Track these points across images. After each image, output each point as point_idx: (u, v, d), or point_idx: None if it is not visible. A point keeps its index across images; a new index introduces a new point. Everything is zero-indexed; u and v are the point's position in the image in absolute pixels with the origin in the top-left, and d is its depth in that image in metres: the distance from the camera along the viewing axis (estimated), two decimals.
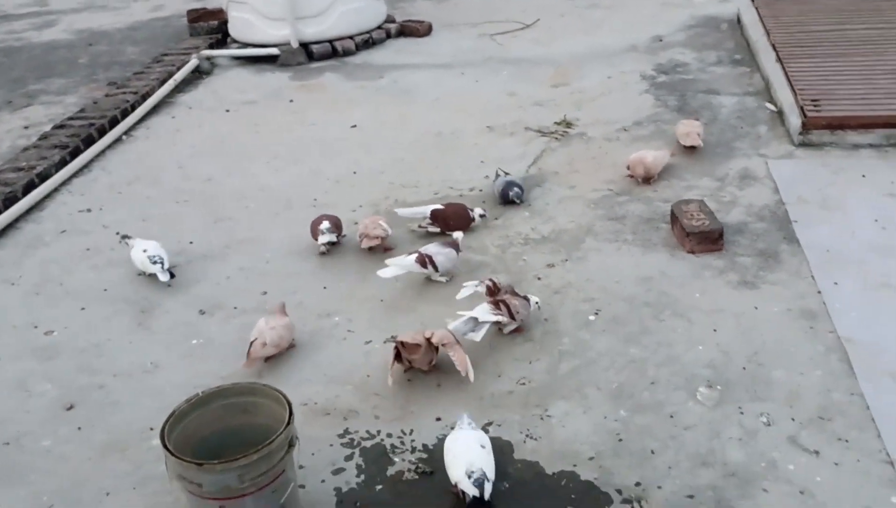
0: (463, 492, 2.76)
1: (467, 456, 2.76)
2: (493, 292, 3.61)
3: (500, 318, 3.51)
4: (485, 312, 3.49)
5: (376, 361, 3.55)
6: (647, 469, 2.93)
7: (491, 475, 2.76)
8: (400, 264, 3.93)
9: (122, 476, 3.06)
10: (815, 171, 4.81)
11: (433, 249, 4.00)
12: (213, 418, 2.81)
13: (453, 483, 2.81)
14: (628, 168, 4.79)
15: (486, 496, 2.70)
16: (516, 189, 4.61)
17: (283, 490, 2.68)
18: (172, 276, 4.18)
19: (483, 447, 2.84)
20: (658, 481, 2.88)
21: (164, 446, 2.57)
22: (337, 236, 4.33)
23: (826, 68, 5.78)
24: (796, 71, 5.75)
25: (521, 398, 3.29)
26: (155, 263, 4.15)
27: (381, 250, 4.28)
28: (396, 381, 3.41)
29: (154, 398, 3.40)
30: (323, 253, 4.32)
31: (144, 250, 4.20)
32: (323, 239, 4.25)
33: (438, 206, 4.42)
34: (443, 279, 4.03)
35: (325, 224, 4.28)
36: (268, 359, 3.56)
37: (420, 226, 4.44)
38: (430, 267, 3.91)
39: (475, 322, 3.47)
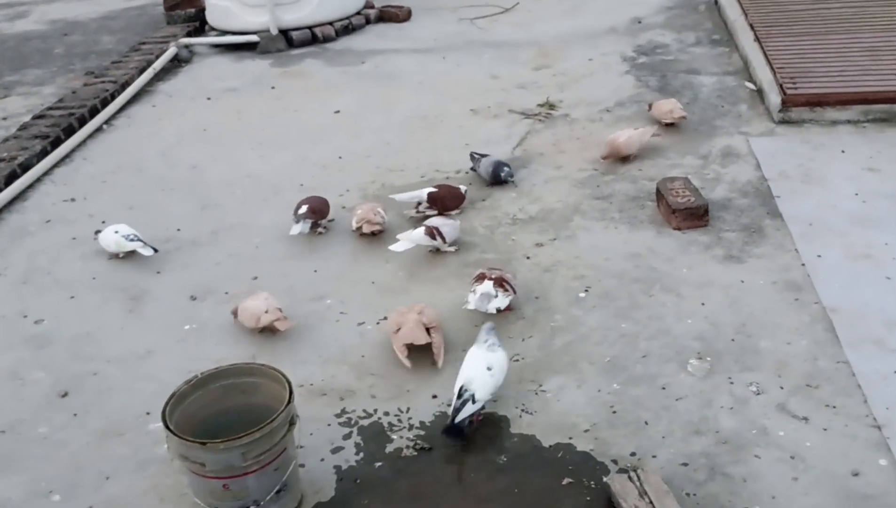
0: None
1: (466, 374, 2.98)
2: (483, 276, 3.64)
3: (511, 297, 3.58)
4: (502, 297, 3.52)
5: (371, 341, 3.58)
6: (642, 439, 2.99)
7: (480, 394, 2.92)
8: (410, 239, 4.01)
9: (121, 461, 3.07)
10: (795, 147, 4.89)
11: (438, 221, 4.11)
12: (213, 399, 2.83)
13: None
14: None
15: (458, 419, 2.89)
16: (507, 169, 4.64)
17: (284, 468, 2.70)
18: (156, 250, 4.16)
19: (489, 368, 2.98)
20: (653, 450, 2.94)
21: (166, 426, 2.58)
22: (313, 225, 4.31)
23: (803, 47, 5.86)
24: (774, 50, 5.83)
25: (515, 374, 3.33)
26: (132, 240, 4.14)
27: (371, 234, 4.29)
28: (390, 361, 3.43)
29: (149, 382, 3.41)
30: (321, 233, 4.32)
31: (116, 232, 4.20)
32: (294, 230, 4.24)
33: (432, 189, 4.44)
34: (451, 249, 4.08)
35: (303, 210, 4.27)
36: (277, 328, 3.59)
37: (417, 211, 4.44)
38: (438, 239, 4.00)
39: (489, 299, 3.52)
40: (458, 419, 2.89)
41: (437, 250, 4.11)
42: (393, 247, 4.01)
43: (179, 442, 2.56)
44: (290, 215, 4.43)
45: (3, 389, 3.49)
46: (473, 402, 2.91)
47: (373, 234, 4.28)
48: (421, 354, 3.46)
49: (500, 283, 3.58)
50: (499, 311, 3.59)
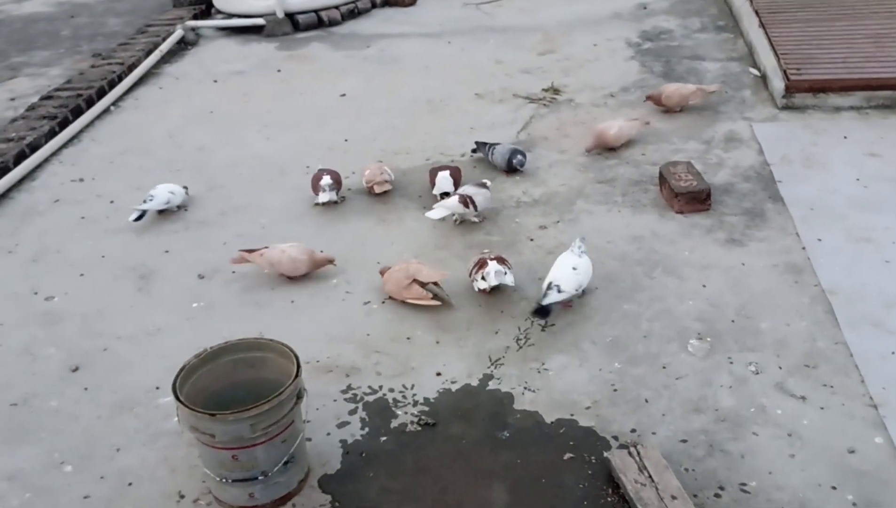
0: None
1: (554, 273, 3.49)
2: (484, 260, 3.68)
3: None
4: (510, 273, 3.64)
5: (376, 320, 3.63)
6: (642, 417, 3.05)
7: (565, 286, 3.44)
8: (445, 206, 4.13)
9: (132, 433, 3.13)
10: (798, 132, 4.93)
11: (471, 190, 4.20)
12: (222, 373, 2.89)
13: None
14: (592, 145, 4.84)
15: (545, 302, 3.42)
16: (520, 157, 4.66)
17: (292, 441, 2.77)
18: (139, 218, 4.36)
19: (574, 268, 3.49)
20: (653, 427, 3.00)
21: (177, 397, 2.64)
22: (337, 194, 4.45)
23: (808, 33, 5.88)
24: (779, 35, 5.85)
25: (518, 353, 3.39)
26: (144, 201, 4.41)
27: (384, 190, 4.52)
28: (396, 339, 3.49)
29: (159, 358, 3.47)
30: (326, 203, 4.44)
31: (171, 191, 4.49)
32: (323, 198, 4.40)
33: (446, 171, 4.47)
34: (476, 219, 4.18)
35: (327, 180, 4.43)
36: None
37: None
38: (470, 207, 4.11)
39: (503, 274, 3.61)
40: (544, 302, 3.41)
41: (460, 221, 4.18)
42: (429, 214, 4.13)
43: (190, 414, 2.62)
44: (297, 196, 4.50)
45: (16, 364, 3.55)
46: (559, 292, 3.41)
47: (385, 193, 4.46)
48: (424, 334, 3.51)
49: (502, 261, 3.66)
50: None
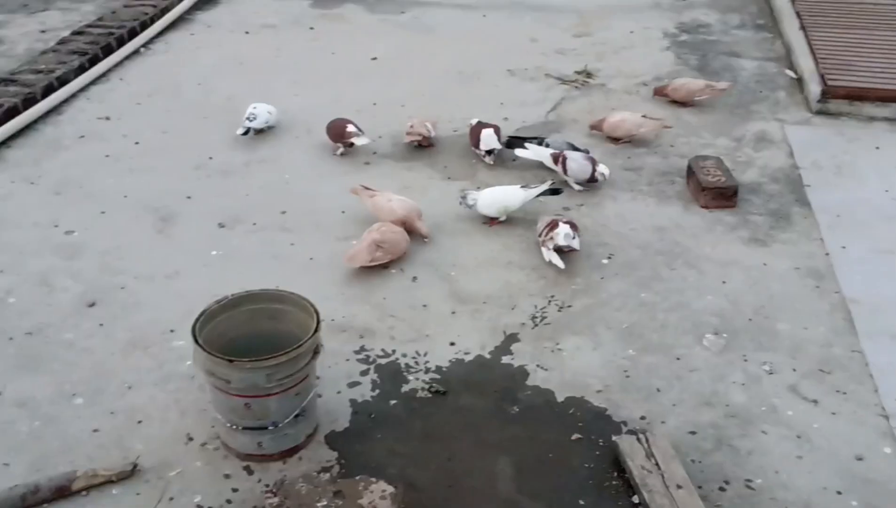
0: None
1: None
2: (556, 222, 3.77)
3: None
4: (578, 238, 3.74)
5: (394, 285, 3.64)
6: (653, 405, 3.06)
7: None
8: (537, 152, 4.29)
9: (144, 372, 3.15)
10: (830, 139, 4.89)
11: (572, 152, 4.30)
12: (241, 321, 2.89)
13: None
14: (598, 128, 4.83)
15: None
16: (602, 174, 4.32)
17: (304, 395, 2.78)
18: (245, 133, 4.69)
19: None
20: (663, 416, 3.01)
21: (196, 341, 2.65)
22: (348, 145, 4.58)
23: (848, 39, 5.82)
24: (819, 39, 5.78)
25: (534, 331, 3.40)
26: (247, 119, 4.69)
27: (425, 144, 4.68)
28: (412, 306, 3.49)
29: (176, 302, 3.48)
30: (343, 154, 4.56)
31: (269, 111, 4.80)
32: (361, 141, 4.56)
33: (490, 127, 4.56)
34: (578, 187, 4.27)
35: (351, 127, 4.55)
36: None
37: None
38: (560, 168, 4.22)
39: (572, 236, 3.71)
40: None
41: (550, 192, 4.06)
42: (518, 151, 4.38)
43: (207, 358, 2.63)
44: (322, 153, 4.58)
45: (33, 293, 3.57)
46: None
47: (419, 145, 4.62)
48: (440, 303, 3.52)
49: (574, 227, 3.76)
50: (568, 250, 3.73)
